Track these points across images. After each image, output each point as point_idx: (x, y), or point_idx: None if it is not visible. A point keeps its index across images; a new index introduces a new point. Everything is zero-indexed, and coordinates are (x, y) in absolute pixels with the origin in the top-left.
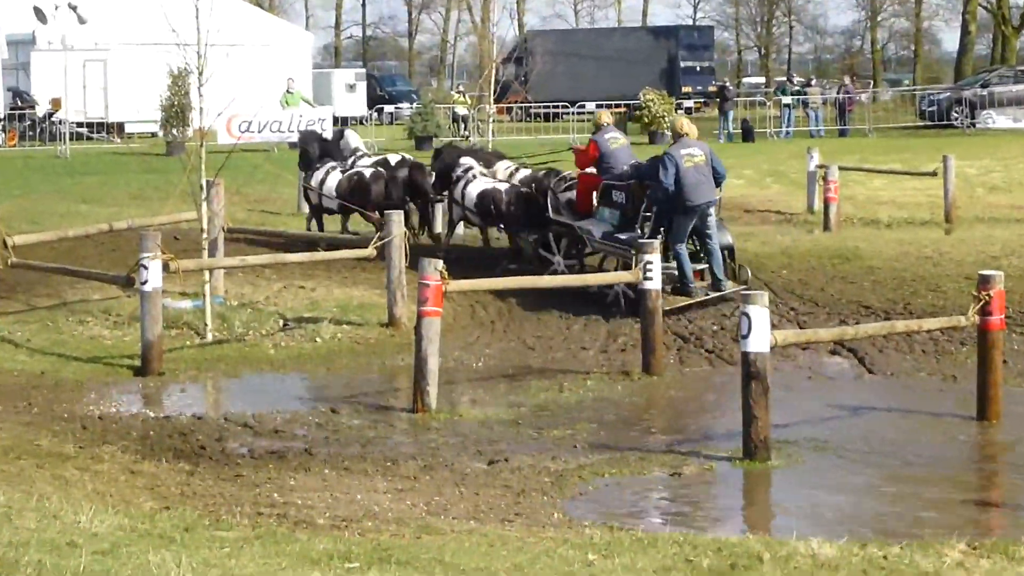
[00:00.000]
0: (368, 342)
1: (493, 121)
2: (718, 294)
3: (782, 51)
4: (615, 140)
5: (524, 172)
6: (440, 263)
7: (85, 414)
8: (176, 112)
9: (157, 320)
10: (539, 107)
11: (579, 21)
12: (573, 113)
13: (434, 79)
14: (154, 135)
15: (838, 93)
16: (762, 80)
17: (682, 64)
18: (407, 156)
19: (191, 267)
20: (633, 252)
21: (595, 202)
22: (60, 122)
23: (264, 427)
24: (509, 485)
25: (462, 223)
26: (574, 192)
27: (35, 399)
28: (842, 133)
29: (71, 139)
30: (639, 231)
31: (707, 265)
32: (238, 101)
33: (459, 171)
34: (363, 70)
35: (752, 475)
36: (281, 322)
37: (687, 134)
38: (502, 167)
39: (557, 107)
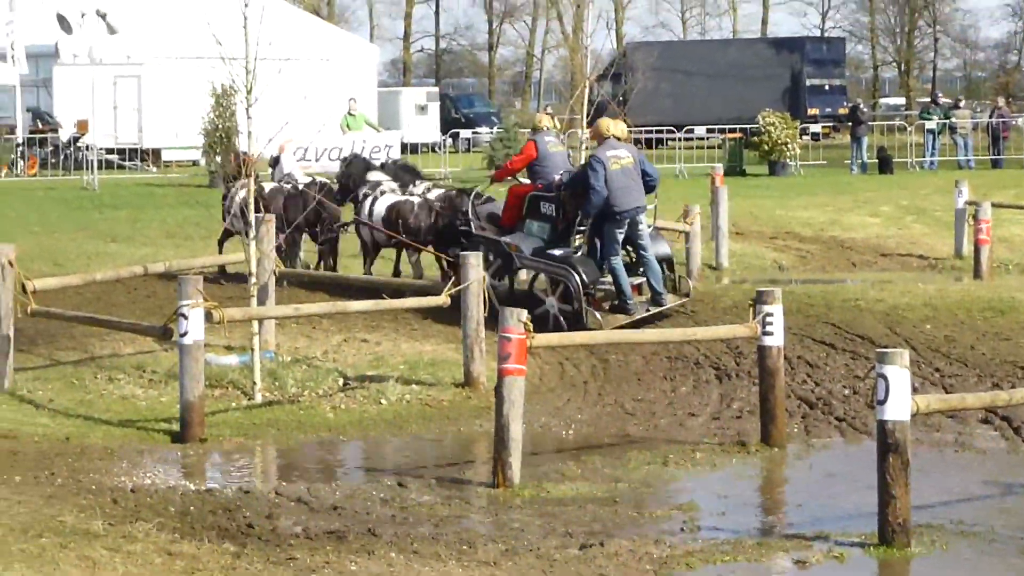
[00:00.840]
0: (441, 405)
1: (586, 148)
2: (658, 309)
3: (926, 67)
4: (554, 145)
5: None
6: (524, 313)
7: (116, 486)
8: (220, 137)
9: (199, 378)
10: (640, 131)
11: (687, 32)
12: (680, 139)
13: (518, 99)
14: (195, 163)
15: (991, 117)
16: (902, 101)
17: (808, 82)
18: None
19: (238, 317)
20: (567, 269)
21: (524, 214)
22: (87, 148)
23: (321, 503)
24: (605, 573)
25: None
26: (497, 206)
27: (59, 468)
28: (995, 164)
29: (99, 167)
30: (572, 246)
31: (644, 279)
32: (292, 124)
33: (365, 188)
34: (436, 89)
35: (889, 564)
36: (341, 381)
37: (613, 135)
38: (420, 188)
39: (661, 131)
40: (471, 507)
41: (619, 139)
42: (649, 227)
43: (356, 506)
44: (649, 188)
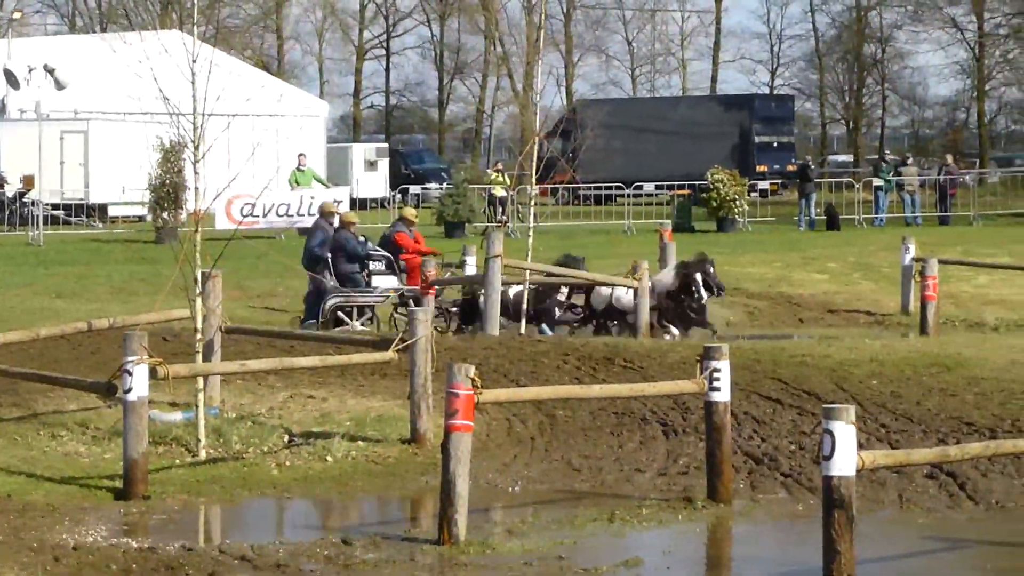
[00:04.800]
0: (387, 461)
1: (535, 204)
2: None
3: (874, 125)
4: None
5: None
6: (472, 369)
7: (57, 543)
8: (168, 192)
9: (142, 435)
10: (590, 188)
11: (637, 89)
12: (629, 195)
13: (468, 155)
14: (141, 219)
15: (939, 174)
16: (850, 158)
17: (757, 139)
18: None
19: (183, 373)
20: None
21: None
22: (32, 203)
23: (265, 561)
24: None
25: None
26: None
27: (0, 526)
28: (943, 221)
29: (45, 223)
30: None
31: None
32: (240, 180)
33: None
34: (386, 144)
35: None
36: (286, 438)
37: None
38: None
39: (611, 188)
40: (416, 564)
41: None
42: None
43: (300, 564)
44: None
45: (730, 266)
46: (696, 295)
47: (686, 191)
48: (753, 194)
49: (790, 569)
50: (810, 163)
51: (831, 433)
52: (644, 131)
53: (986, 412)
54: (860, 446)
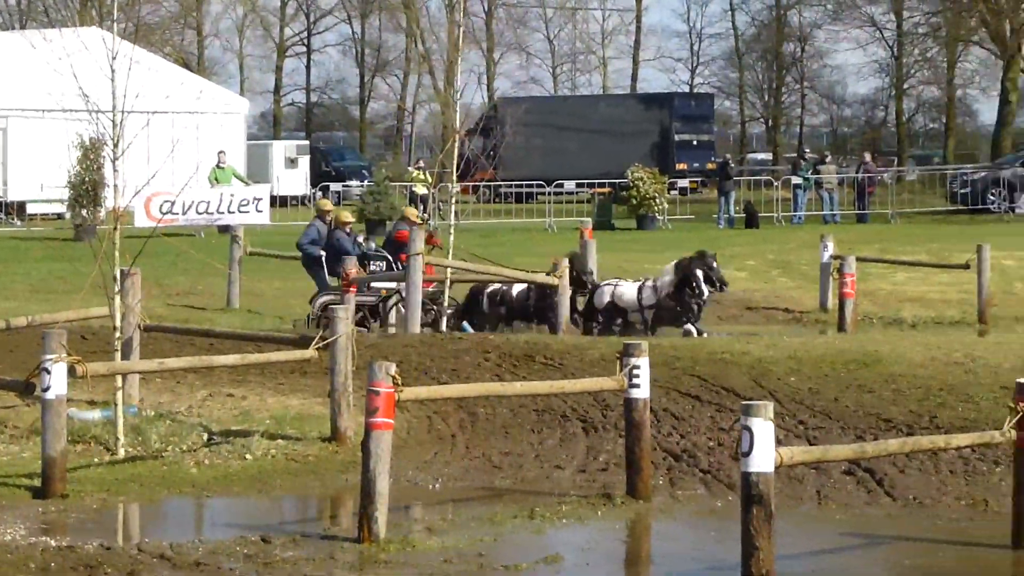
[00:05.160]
0: (307, 459)
1: (457, 202)
2: None
3: (793, 123)
4: None
5: None
6: (392, 367)
7: None
8: (86, 190)
9: (61, 433)
10: (510, 186)
11: (558, 87)
12: (550, 193)
13: (389, 153)
14: (60, 216)
15: (857, 172)
16: (769, 157)
17: (677, 137)
18: None
19: (101, 371)
20: None
21: None
22: None
23: (184, 559)
24: None
25: None
26: None
27: None
28: (861, 219)
29: None
30: None
31: None
32: (160, 177)
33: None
34: (306, 142)
35: None
36: (205, 436)
37: None
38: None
39: (531, 186)
40: (336, 562)
41: None
42: None
43: (220, 562)
44: None
45: (650, 264)
46: (697, 291)
47: (606, 189)
48: (673, 192)
49: (709, 565)
50: (729, 161)
51: (750, 430)
52: (565, 129)
53: (903, 409)
54: (778, 442)
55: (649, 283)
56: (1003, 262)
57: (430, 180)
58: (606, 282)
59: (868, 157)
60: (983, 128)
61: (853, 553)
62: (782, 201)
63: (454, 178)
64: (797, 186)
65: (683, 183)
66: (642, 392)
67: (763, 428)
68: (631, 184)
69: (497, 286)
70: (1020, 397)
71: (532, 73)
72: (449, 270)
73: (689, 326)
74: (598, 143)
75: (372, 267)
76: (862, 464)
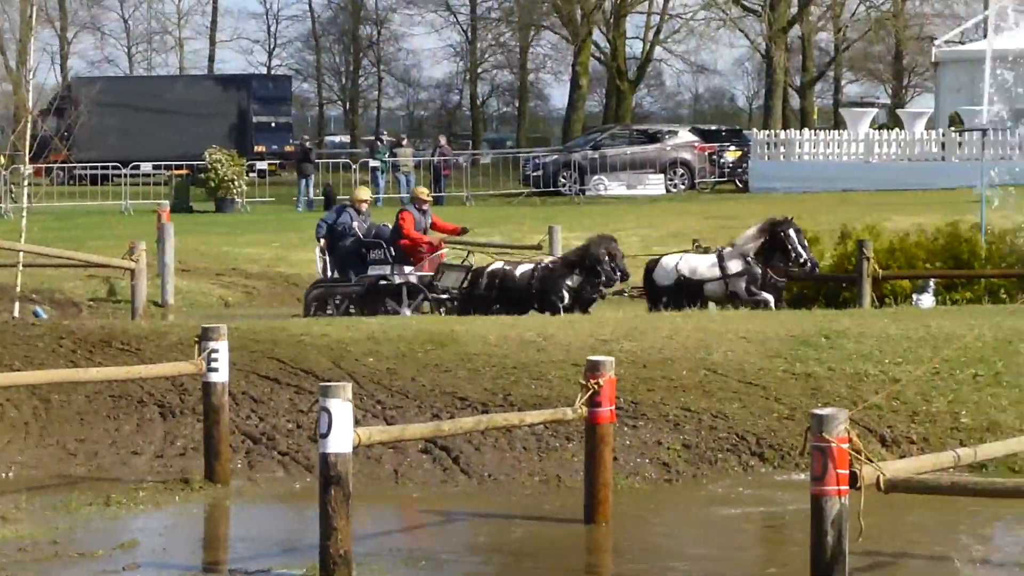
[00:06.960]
0: None
1: (30, 184)
2: None
3: (370, 106)
4: None
5: None
6: None
7: None
8: None
9: None
10: (85, 168)
11: (135, 68)
12: (126, 175)
13: None
14: None
15: (433, 155)
16: (347, 139)
17: (255, 119)
18: None
19: None
20: None
21: None
22: None
23: None
24: None
25: None
26: None
27: None
28: (437, 201)
29: None
30: None
31: None
32: None
33: None
34: None
35: None
36: None
37: None
38: None
39: (107, 168)
40: None
41: None
42: None
43: None
44: None
45: (228, 246)
46: (794, 255)
47: (184, 171)
48: (252, 174)
49: (287, 548)
50: (308, 143)
51: (328, 411)
52: (141, 110)
53: (479, 387)
54: (357, 423)
55: (728, 250)
56: (574, 242)
57: (3, 161)
58: (663, 257)
59: (443, 140)
60: (555, 112)
61: (429, 530)
62: (360, 184)
63: (27, 160)
64: (375, 169)
65: (262, 165)
66: (220, 376)
67: (341, 409)
68: (209, 166)
69: (498, 266)
70: (590, 374)
71: (107, 53)
72: (21, 254)
73: (768, 297)
74: (176, 124)
75: (372, 254)
76: (438, 443)
